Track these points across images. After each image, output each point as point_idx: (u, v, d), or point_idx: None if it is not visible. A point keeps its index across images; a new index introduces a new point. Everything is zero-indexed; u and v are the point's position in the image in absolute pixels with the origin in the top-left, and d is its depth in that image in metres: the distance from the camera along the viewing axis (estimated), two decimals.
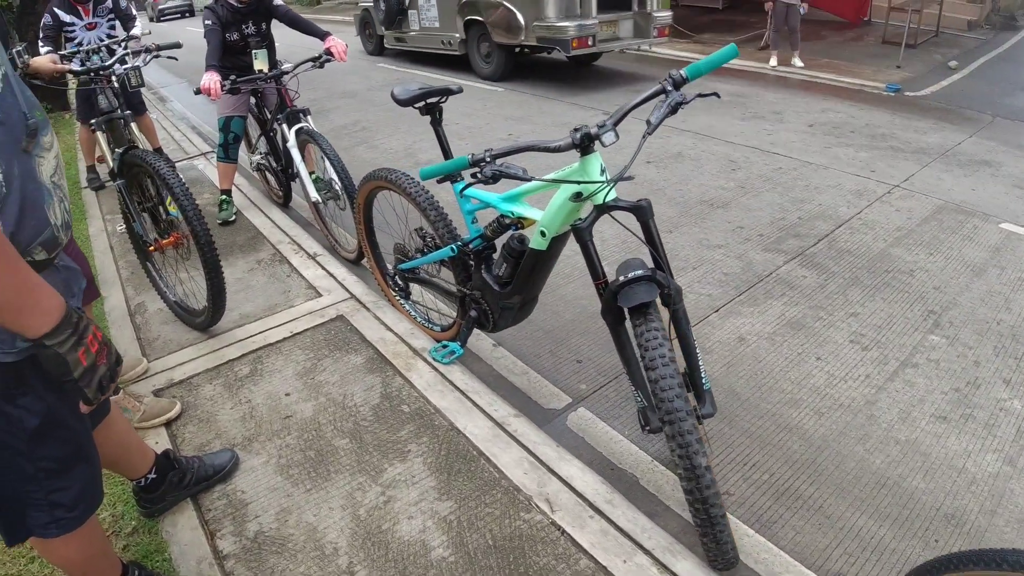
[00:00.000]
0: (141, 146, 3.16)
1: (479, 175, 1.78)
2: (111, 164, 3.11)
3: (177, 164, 6.05)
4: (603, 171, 1.83)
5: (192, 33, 19.75)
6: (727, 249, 3.98)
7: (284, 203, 4.81)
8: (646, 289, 1.75)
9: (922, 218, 4.29)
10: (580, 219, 1.89)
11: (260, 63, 3.77)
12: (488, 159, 1.80)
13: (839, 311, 3.31)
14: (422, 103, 2.46)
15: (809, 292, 3.49)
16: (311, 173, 3.94)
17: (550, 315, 3.30)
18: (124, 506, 2.22)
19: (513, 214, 2.21)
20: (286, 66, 3.81)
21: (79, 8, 4.98)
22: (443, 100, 2.50)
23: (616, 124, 1.76)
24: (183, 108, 8.89)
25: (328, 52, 3.82)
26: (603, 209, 1.83)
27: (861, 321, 3.22)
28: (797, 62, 8.85)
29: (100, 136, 3.20)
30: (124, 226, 3.83)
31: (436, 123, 2.52)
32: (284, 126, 3.83)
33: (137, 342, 3.16)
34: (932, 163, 5.31)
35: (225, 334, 3.14)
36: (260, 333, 3.11)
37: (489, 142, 6.19)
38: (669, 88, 1.77)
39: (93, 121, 3.16)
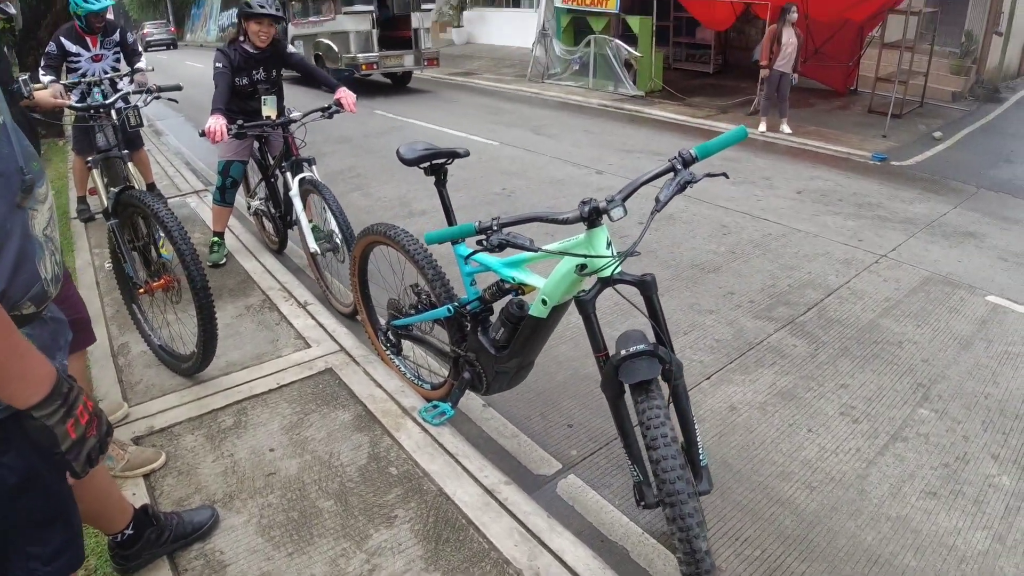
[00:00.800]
0: (137, 186, 3.14)
1: (485, 243, 1.78)
2: (106, 203, 3.08)
3: (169, 200, 6.03)
4: (609, 244, 1.84)
5: (190, 68, 19.96)
6: (719, 315, 3.99)
7: (279, 249, 4.78)
8: (648, 365, 1.74)
9: (910, 289, 4.35)
10: (584, 291, 1.88)
11: (269, 109, 3.79)
12: (495, 227, 1.80)
13: (829, 382, 3.32)
14: (427, 164, 2.48)
15: (799, 361, 3.50)
16: (310, 222, 3.93)
17: (542, 376, 3.28)
18: (97, 559, 2.13)
19: (514, 280, 2.20)
20: (295, 114, 3.83)
21: (87, 39, 5.01)
22: (448, 162, 2.52)
23: (625, 199, 1.77)
24: (178, 143, 8.92)
25: (338, 103, 3.86)
26: (607, 282, 1.83)
27: (851, 393, 3.22)
28: (786, 129, 9.07)
29: (96, 174, 3.17)
30: (112, 264, 3.79)
31: (440, 184, 2.53)
32: (288, 174, 3.83)
33: (119, 384, 3.09)
34: (918, 233, 5.41)
35: (210, 382, 3.07)
36: (246, 383, 3.05)
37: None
38: (679, 166, 1.79)
39: (90, 160, 3.15)
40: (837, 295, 4.27)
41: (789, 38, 8.67)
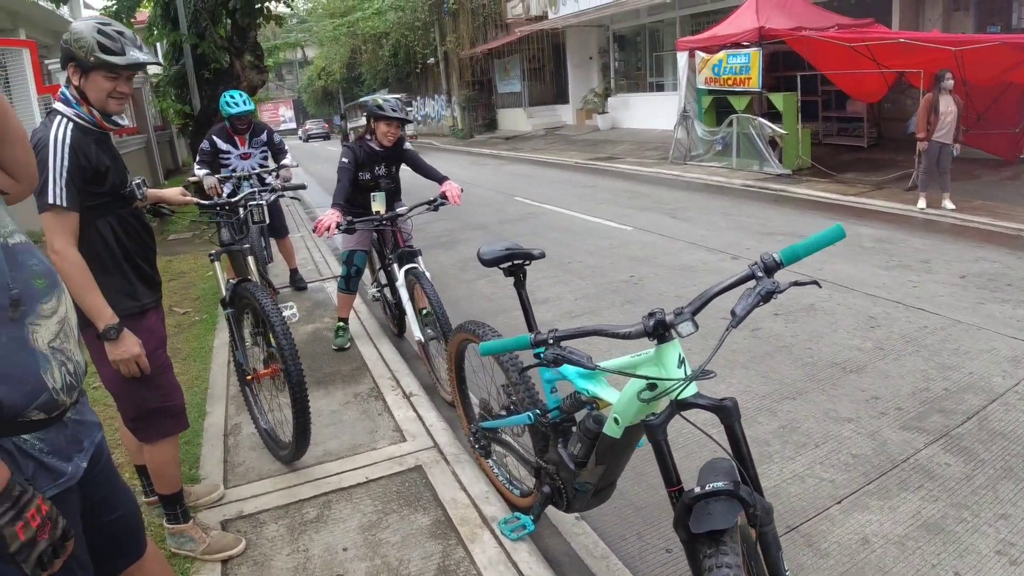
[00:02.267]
0: (254, 279, 3.31)
1: (541, 357, 1.63)
2: (224, 293, 3.27)
3: (310, 284, 6.42)
4: (682, 362, 1.62)
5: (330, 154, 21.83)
6: (858, 424, 3.50)
7: (398, 334, 4.92)
8: (724, 510, 1.47)
9: None
10: (654, 414, 1.67)
11: (378, 205, 3.95)
12: (551, 340, 1.65)
13: (987, 511, 2.74)
14: (507, 264, 2.39)
15: (952, 485, 2.94)
16: (422, 309, 3.99)
17: (644, 488, 2.99)
18: None
19: (588, 392, 2.02)
20: (401, 209, 3.96)
21: (236, 139, 5.56)
22: (527, 263, 2.42)
23: (695, 313, 1.57)
24: None
25: (443, 196, 3.96)
26: (680, 406, 1.60)
27: (1012, 526, 2.64)
28: (948, 204, 8.20)
29: (217, 266, 3.40)
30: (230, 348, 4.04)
31: (519, 285, 2.43)
32: (395, 265, 3.94)
33: (223, 465, 3.19)
34: None
35: (304, 470, 3.09)
36: (336, 475, 3.04)
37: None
38: (759, 274, 1.56)
39: (212, 252, 3.38)
40: (1002, 401, 3.62)
41: (947, 106, 7.93)
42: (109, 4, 10.97)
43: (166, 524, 2.59)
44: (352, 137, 17.75)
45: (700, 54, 12.58)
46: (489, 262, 2.37)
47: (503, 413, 2.69)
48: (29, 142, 1.51)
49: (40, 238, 2.18)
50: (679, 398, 1.59)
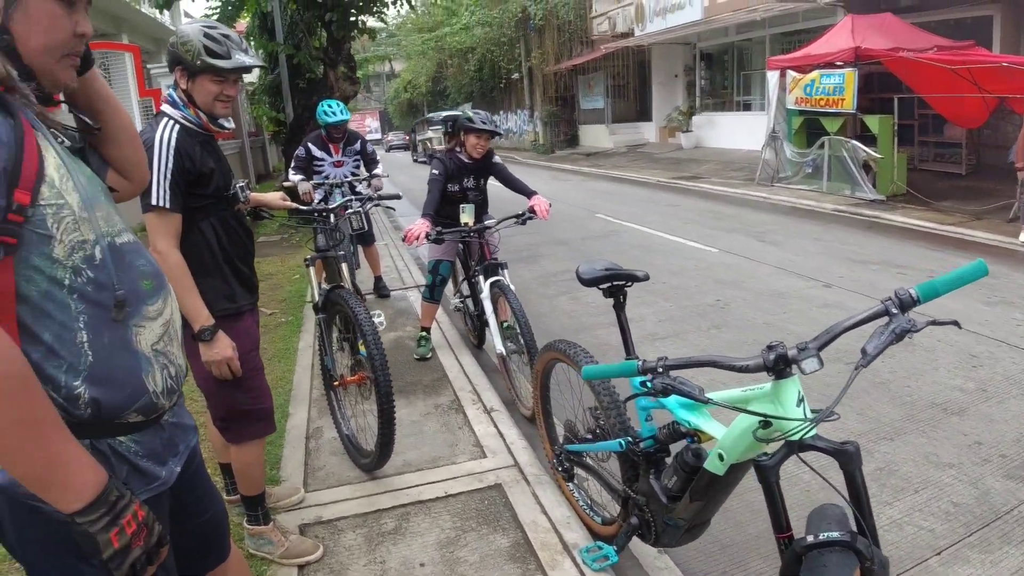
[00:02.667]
0: (347, 285, 3.35)
1: (648, 386, 1.55)
2: (317, 298, 3.33)
3: (393, 293, 6.51)
4: (801, 401, 1.51)
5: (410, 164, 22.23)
6: (959, 470, 3.25)
7: (478, 345, 4.92)
8: (840, 563, 1.36)
9: None
10: (766, 454, 1.56)
11: (466, 217, 3.96)
12: (660, 369, 1.57)
13: None
14: (607, 285, 2.32)
15: None
16: (503, 322, 3.97)
17: (731, 525, 2.85)
18: None
19: (689, 424, 1.92)
20: (489, 221, 3.96)
21: (330, 146, 5.72)
22: (628, 285, 2.34)
23: (821, 348, 1.46)
24: None
25: (531, 210, 3.93)
26: (795, 447, 1.50)
27: None
28: None
29: (311, 271, 3.46)
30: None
31: (619, 307, 2.35)
32: (481, 277, 3.93)
33: (303, 468, 3.22)
34: None
35: (384, 479, 3.09)
36: (416, 487, 3.02)
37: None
38: (894, 310, 1.45)
39: (307, 258, 3.44)
40: None
41: None
42: (209, 12, 11.52)
43: (246, 525, 2.62)
44: (420, 150, 18.04)
45: (791, 73, 12.20)
46: (588, 281, 2.31)
47: (589, 437, 2.61)
48: (140, 141, 1.53)
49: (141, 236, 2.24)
50: (797, 439, 1.48)
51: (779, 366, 1.48)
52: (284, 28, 10.95)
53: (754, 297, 6.14)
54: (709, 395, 1.54)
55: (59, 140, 1.23)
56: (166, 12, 12.60)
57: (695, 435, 1.93)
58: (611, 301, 2.36)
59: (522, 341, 3.66)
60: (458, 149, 4.27)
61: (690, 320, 5.60)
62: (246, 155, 16.84)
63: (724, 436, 1.74)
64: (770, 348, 1.49)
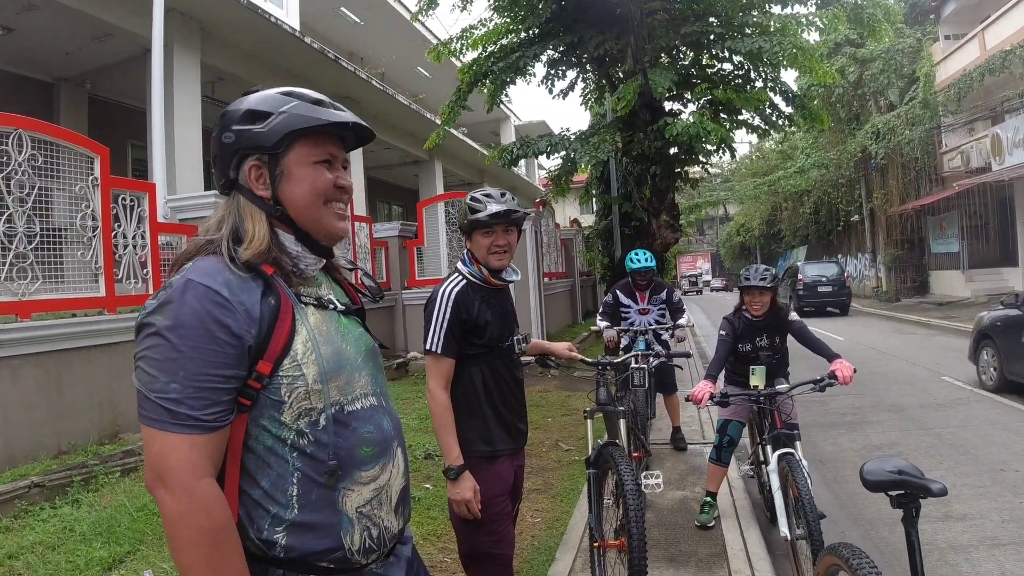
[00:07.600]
0: (622, 444, 3.32)
1: None
2: (590, 451, 3.34)
3: (691, 446, 6.23)
4: None
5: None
6: None
7: (771, 520, 4.39)
8: None
9: None
10: None
11: (756, 379, 3.69)
12: None
13: None
14: (895, 492, 1.94)
15: None
16: (796, 500, 3.52)
17: None
18: None
19: None
20: (781, 387, 3.62)
21: (637, 294, 5.87)
22: (922, 496, 1.93)
23: None
24: None
25: (832, 375, 3.53)
26: None
27: None
28: None
29: (588, 424, 3.50)
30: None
31: (909, 524, 1.93)
32: (769, 447, 3.58)
33: None
34: None
35: None
36: None
37: None
38: None
39: (586, 410, 3.50)
40: None
41: None
42: (553, 169, 13.12)
43: None
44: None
45: None
46: (874, 484, 1.96)
47: None
48: None
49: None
50: None
51: None
52: (618, 180, 12.42)
53: None
54: None
55: (329, 306, 1.38)
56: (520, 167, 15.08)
57: None
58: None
59: (807, 527, 3.19)
60: (744, 307, 4.08)
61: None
62: (575, 293, 18.22)
63: None
64: None
